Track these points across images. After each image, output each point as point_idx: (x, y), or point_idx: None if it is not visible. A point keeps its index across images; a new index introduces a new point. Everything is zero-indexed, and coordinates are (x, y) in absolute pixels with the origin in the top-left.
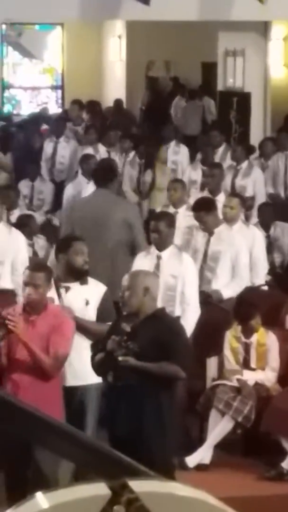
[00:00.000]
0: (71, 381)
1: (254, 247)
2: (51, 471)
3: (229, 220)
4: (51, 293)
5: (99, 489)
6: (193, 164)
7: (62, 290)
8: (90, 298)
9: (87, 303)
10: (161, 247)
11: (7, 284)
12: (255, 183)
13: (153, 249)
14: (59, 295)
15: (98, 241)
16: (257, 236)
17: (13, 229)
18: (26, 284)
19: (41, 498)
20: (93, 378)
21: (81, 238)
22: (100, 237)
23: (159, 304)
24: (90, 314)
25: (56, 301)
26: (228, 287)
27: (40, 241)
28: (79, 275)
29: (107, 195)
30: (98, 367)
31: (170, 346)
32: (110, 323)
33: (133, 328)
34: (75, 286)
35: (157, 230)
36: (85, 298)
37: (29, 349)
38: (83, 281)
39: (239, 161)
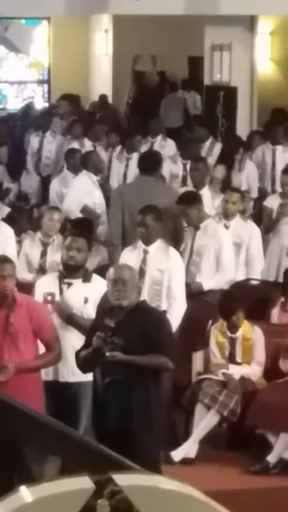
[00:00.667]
0: (66, 377)
1: (251, 242)
2: (38, 466)
3: (229, 215)
4: (54, 288)
5: (83, 483)
6: (172, 157)
7: (64, 286)
8: (89, 296)
9: (86, 300)
10: (148, 241)
11: None
12: (248, 177)
13: (140, 243)
14: (61, 290)
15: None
16: (254, 231)
17: (2, 223)
18: None
19: (24, 492)
20: (88, 375)
21: (77, 234)
22: None
23: (146, 298)
24: (88, 311)
25: (57, 297)
26: (209, 279)
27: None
28: (70, 271)
29: (152, 181)
30: (83, 364)
31: (156, 338)
32: None
33: (117, 322)
34: (77, 283)
35: (144, 224)
36: (84, 295)
37: (25, 368)
38: (86, 279)
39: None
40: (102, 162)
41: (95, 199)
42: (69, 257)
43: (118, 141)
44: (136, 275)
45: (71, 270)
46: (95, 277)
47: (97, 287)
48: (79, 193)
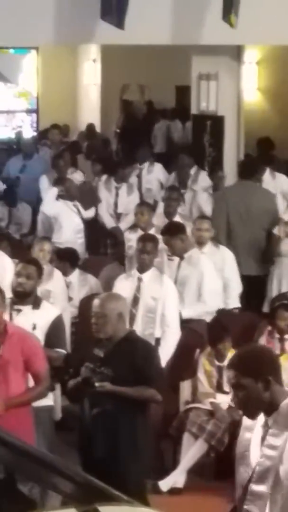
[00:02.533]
0: None
1: (225, 268)
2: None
3: (202, 243)
4: (5, 315)
5: None
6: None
7: (14, 313)
8: (38, 322)
9: (34, 327)
10: (143, 269)
11: None
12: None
13: (134, 271)
14: (10, 316)
15: (249, 226)
16: (227, 257)
17: (1, 252)
18: None
19: None
20: (41, 401)
21: (27, 261)
22: (251, 222)
23: (140, 326)
24: (35, 335)
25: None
26: (189, 308)
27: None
28: (18, 297)
29: (252, 184)
30: (71, 394)
31: (145, 371)
32: (58, 349)
33: (106, 353)
34: (26, 309)
35: (146, 251)
36: (32, 322)
37: (14, 404)
38: (35, 305)
39: (216, 189)
40: (76, 188)
41: (74, 227)
42: (17, 283)
43: (101, 170)
44: (125, 304)
45: (20, 297)
46: (44, 304)
47: (46, 313)
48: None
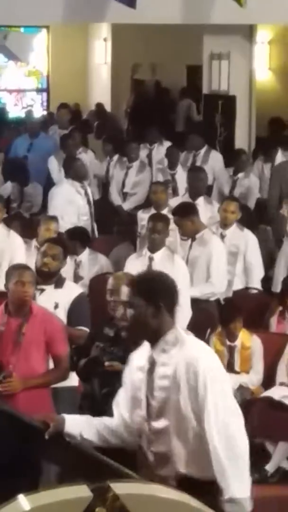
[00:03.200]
0: None
1: (247, 251)
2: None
3: (228, 224)
4: None
5: (81, 491)
6: (161, 169)
7: (37, 292)
8: (60, 301)
9: (56, 306)
10: (155, 248)
11: (2, 286)
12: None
13: (145, 250)
14: (33, 296)
15: None
16: (251, 240)
17: (11, 231)
18: (18, 282)
19: (23, 500)
20: (65, 382)
21: (53, 241)
22: None
23: None
24: (59, 317)
25: None
26: (196, 288)
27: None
28: (43, 277)
29: None
30: (82, 373)
31: None
32: (81, 327)
33: (116, 332)
34: (49, 289)
35: (157, 230)
36: (54, 301)
37: (32, 385)
38: (58, 285)
39: (237, 172)
40: (85, 168)
41: (80, 209)
42: (43, 263)
43: (112, 150)
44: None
45: (44, 277)
46: (67, 283)
47: (68, 292)
48: (61, 203)
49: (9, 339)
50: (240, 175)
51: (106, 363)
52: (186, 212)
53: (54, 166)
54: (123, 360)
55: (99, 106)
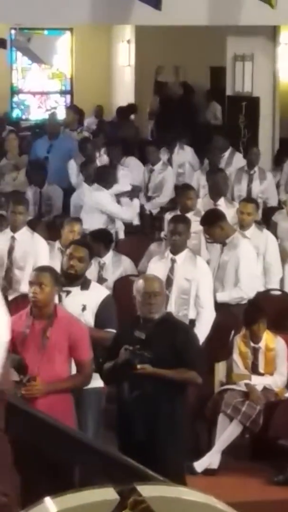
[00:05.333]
0: None
1: (267, 252)
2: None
3: (245, 226)
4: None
5: (108, 494)
6: (201, 169)
7: (63, 294)
8: (87, 303)
9: (83, 308)
10: (175, 250)
11: (27, 289)
12: (267, 188)
13: (167, 252)
14: (59, 298)
15: None
16: (270, 241)
17: (35, 234)
18: (31, 284)
19: (49, 503)
20: (91, 382)
21: (79, 243)
22: None
23: (173, 308)
24: (86, 319)
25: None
26: (223, 292)
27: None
28: (69, 279)
29: None
30: (108, 376)
31: (185, 353)
32: (108, 329)
33: (147, 335)
34: (75, 290)
35: (177, 232)
36: (82, 303)
37: (53, 389)
38: (84, 286)
39: (252, 166)
40: (116, 176)
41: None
42: (69, 265)
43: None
44: (164, 285)
45: (70, 279)
46: (94, 285)
47: (95, 294)
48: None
49: (33, 342)
50: (256, 169)
51: (139, 366)
52: (213, 219)
53: (73, 170)
54: (153, 362)
55: (120, 109)
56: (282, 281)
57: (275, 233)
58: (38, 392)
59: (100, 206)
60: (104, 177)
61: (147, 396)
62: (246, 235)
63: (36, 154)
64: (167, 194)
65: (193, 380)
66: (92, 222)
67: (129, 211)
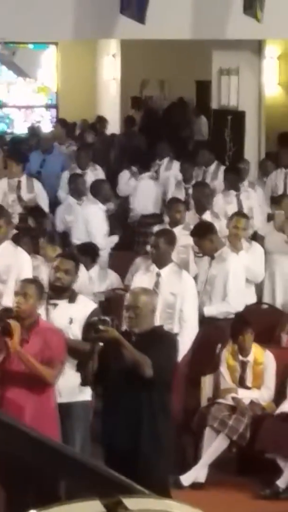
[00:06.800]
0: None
1: (255, 264)
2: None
3: (237, 241)
4: (40, 310)
5: (94, 507)
6: (176, 183)
7: (51, 307)
8: (74, 316)
9: (70, 321)
10: (160, 264)
11: (9, 302)
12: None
13: (152, 266)
14: (47, 311)
15: None
16: (258, 253)
17: (18, 248)
18: (16, 294)
19: None
20: (78, 396)
21: (66, 256)
22: None
23: (158, 322)
24: (74, 332)
25: (44, 318)
26: (212, 307)
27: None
28: (56, 292)
29: None
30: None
31: (155, 347)
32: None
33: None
34: (62, 303)
35: (156, 245)
36: (69, 316)
37: (24, 358)
38: (71, 299)
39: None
40: (111, 191)
41: (104, 231)
42: (56, 278)
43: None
44: (154, 297)
45: (57, 291)
46: (80, 298)
47: (82, 307)
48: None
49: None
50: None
51: (101, 327)
52: (204, 232)
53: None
54: (134, 376)
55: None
56: (273, 293)
57: (262, 246)
58: (12, 329)
59: (88, 219)
60: (99, 191)
61: (130, 410)
62: (240, 249)
63: (30, 168)
64: (144, 206)
65: (143, 366)
66: (80, 236)
67: (106, 241)
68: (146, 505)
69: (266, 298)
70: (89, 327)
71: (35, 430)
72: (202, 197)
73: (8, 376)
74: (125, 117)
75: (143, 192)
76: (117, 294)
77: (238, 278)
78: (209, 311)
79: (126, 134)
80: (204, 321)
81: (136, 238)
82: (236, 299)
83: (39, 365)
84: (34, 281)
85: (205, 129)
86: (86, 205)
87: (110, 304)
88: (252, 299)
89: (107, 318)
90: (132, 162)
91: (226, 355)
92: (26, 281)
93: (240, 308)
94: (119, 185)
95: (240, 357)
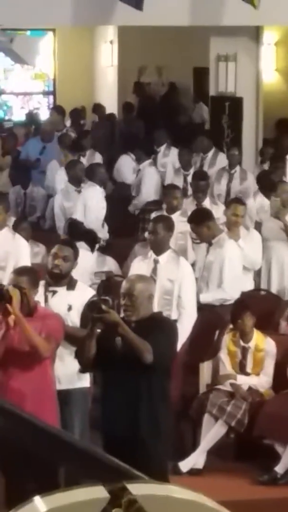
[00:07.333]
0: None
1: (252, 250)
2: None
3: (235, 227)
4: (39, 297)
5: (98, 493)
6: (175, 170)
7: (49, 294)
8: (73, 303)
9: (69, 308)
10: (158, 251)
11: None
12: (247, 188)
13: (150, 253)
14: (46, 298)
15: None
16: (256, 240)
17: (17, 235)
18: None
19: (39, 502)
20: (76, 383)
21: (64, 243)
22: None
23: (156, 309)
24: (72, 319)
25: (42, 305)
26: (208, 293)
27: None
28: (54, 279)
29: None
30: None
31: (155, 333)
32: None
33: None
34: (61, 290)
35: (154, 231)
36: (68, 303)
37: (22, 324)
38: (70, 286)
39: (232, 166)
40: (106, 175)
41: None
42: (54, 265)
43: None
44: (151, 284)
45: (56, 278)
46: (79, 285)
47: (81, 294)
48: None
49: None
50: (238, 169)
51: (104, 307)
52: (201, 218)
53: (55, 169)
54: (133, 362)
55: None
56: (269, 280)
57: (259, 232)
58: (12, 311)
59: (86, 199)
60: (94, 174)
61: (129, 396)
62: (238, 236)
63: (27, 154)
64: (147, 194)
65: (143, 352)
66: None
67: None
68: (148, 490)
69: (262, 285)
70: (91, 306)
71: (34, 417)
72: (200, 185)
73: (8, 357)
74: (124, 103)
75: (147, 179)
76: (115, 280)
77: (234, 265)
78: (204, 298)
79: (125, 120)
80: (201, 308)
81: (141, 224)
82: (232, 286)
83: (36, 335)
84: (26, 271)
85: (206, 115)
86: (85, 189)
87: (110, 283)
88: (250, 286)
89: (109, 298)
90: (131, 148)
91: (227, 341)
92: (18, 273)
93: (236, 295)
94: (120, 171)
95: (242, 343)
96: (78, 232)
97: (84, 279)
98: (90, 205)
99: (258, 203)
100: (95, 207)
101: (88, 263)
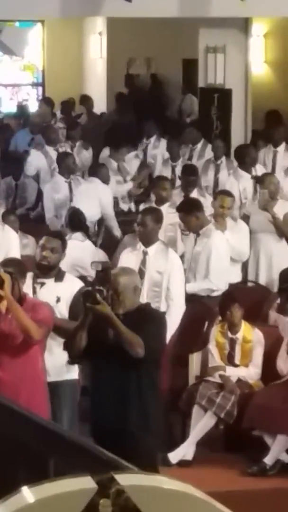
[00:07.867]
0: None
1: (240, 242)
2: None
3: (222, 219)
4: (27, 288)
5: (86, 483)
6: (164, 161)
7: (37, 286)
8: (61, 295)
9: (57, 300)
10: (147, 242)
11: None
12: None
13: (139, 244)
14: (34, 290)
15: None
16: (243, 231)
17: (6, 226)
18: None
19: (26, 492)
20: (65, 375)
21: (52, 234)
22: None
23: (145, 301)
24: (61, 311)
25: (31, 296)
26: (195, 283)
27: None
28: (42, 270)
29: None
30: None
31: (143, 325)
32: None
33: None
34: (49, 282)
35: (143, 223)
36: (56, 295)
37: (14, 306)
38: (58, 278)
39: (217, 158)
40: (75, 164)
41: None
42: (42, 257)
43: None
44: (135, 276)
45: (44, 270)
46: (68, 276)
47: (69, 285)
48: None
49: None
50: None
51: (98, 297)
52: (190, 208)
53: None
54: (122, 354)
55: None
56: (257, 272)
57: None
58: (3, 294)
59: (102, 198)
60: (97, 174)
61: (118, 387)
62: (225, 227)
63: (16, 146)
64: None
65: (135, 346)
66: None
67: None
68: (137, 481)
69: (250, 277)
70: (86, 295)
71: (24, 408)
72: (188, 177)
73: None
74: (116, 94)
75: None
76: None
77: (221, 256)
78: (190, 287)
79: (118, 111)
80: (190, 299)
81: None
82: (218, 276)
83: (28, 318)
84: (13, 263)
85: (195, 107)
86: (96, 184)
87: (106, 274)
88: (237, 277)
89: (103, 289)
90: (117, 142)
91: (215, 332)
92: (4, 265)
93: (222, 286)
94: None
95: (230, 335)
96: (79, 222)
97: (74, 271)
98: (105, 203)
99: None
100: (110, 205)
101: (83, 253)
